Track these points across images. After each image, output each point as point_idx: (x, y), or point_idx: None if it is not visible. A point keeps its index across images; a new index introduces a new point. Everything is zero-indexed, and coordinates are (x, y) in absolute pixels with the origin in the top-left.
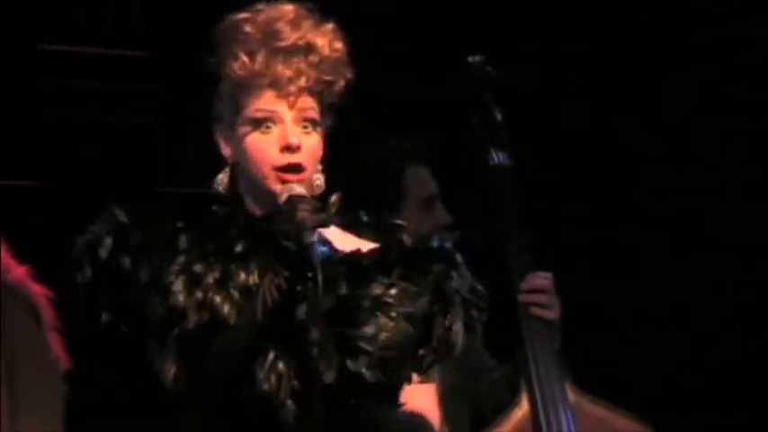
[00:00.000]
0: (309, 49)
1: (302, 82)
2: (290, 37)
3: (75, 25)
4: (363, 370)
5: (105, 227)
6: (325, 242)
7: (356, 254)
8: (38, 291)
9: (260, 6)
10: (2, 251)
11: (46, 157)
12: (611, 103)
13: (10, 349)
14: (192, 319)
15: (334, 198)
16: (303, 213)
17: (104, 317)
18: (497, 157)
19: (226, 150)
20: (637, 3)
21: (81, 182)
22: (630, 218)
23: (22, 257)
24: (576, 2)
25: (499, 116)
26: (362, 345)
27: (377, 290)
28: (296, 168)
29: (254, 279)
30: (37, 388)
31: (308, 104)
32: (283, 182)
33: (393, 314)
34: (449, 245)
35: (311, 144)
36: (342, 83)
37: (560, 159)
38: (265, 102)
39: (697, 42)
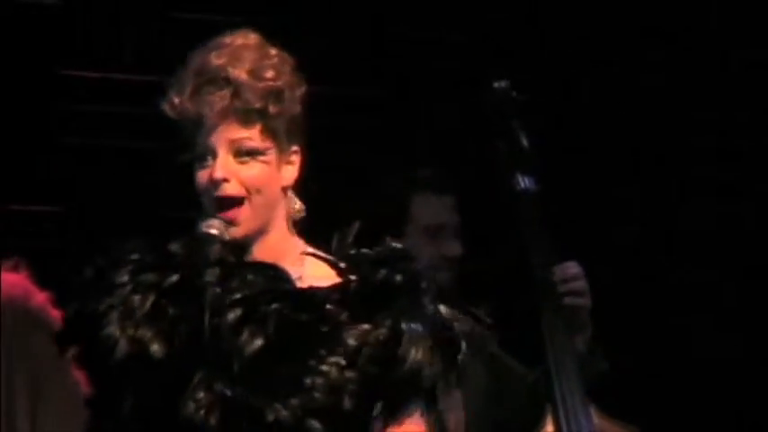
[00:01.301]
0: (227, 79)
1: (223, 113)
2: (210, 69)
3: (94, 51)
4: (268, 413)
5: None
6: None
7: (311, 290)
8: (59, 317)
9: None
10: (23, 278)
11: (67, 182)
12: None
13: (32, 376)
14: (122, 352)
15: (349, 230)
16: (206, 251)
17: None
18: (524, 182)
19: None
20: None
21: (102, 207)
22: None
23: (42, 283)
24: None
25: (525, 142)
26: (271, 400)
27: (323, 328)
28: (228, 201)
29: (174, 312)
30: (58, 414)
31: (242, 135)
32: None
33: (325, 365)
34: (410, 276)
35: (249, 174)
36: (277, 110)
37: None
38: (202, 137)
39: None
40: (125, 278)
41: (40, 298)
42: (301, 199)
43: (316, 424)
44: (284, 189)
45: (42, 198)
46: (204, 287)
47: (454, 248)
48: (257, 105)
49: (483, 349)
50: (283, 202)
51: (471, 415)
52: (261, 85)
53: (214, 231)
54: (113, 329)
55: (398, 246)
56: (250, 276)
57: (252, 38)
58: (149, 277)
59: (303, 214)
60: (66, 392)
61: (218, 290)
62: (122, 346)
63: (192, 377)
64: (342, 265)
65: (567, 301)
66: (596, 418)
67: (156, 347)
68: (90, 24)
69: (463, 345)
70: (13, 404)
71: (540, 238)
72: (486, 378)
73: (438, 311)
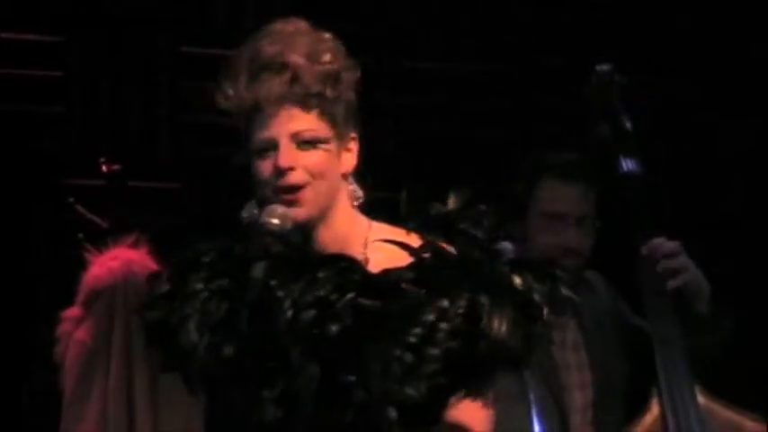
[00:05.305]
0: (285, 65)
1: (283, 98)
2: (266, 55)
3: (216, 27)
4: (346, 414)
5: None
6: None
7: (384, 273)
8: None
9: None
10: (143, 254)
11: (187, 159)
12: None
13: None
14: (200, 359)
15: (403, 196)
16: (259, 244)
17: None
18: (627, 165)
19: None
20: None
21: (221, 184)
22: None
23: (162, 260)
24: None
25: (628, 124)
26: (345, 394)
27: (398, 310)
28: (291, 189)
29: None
30: (178, 390)
31: (304, 123)
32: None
33: (399, 351)
34: (485, 247)
35: (312, 161)
36: (336, 93)
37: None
38: (261, 130)
39: None
40: (199, 285)
41: None
42: (361, 185)
43: (392, 411)
44: (344, 176)
45: (163, 175)
46: (248, 282)
47: (574, 240)
48: (316, 89)
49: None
50: (344, 188)
51: (597, 388)
52: (318, 68)
53: (275, 221)
54: (192, 337)
55: (467, 203)
56: (320, 274)
57: (302, 24)
58: (222, 283)
59: (362, 200)
60: None
61: (272, 283)
62: (201, 353)
63: (267, 373)
64: (412, 235)
65: (670, 284)
66: (700, 397)
67: (228, 349)
68: (211, 2)
69: (545, 313)
70: (132, 377)
71: (644, 221)
72: (616, 342)
73: (513, 281)
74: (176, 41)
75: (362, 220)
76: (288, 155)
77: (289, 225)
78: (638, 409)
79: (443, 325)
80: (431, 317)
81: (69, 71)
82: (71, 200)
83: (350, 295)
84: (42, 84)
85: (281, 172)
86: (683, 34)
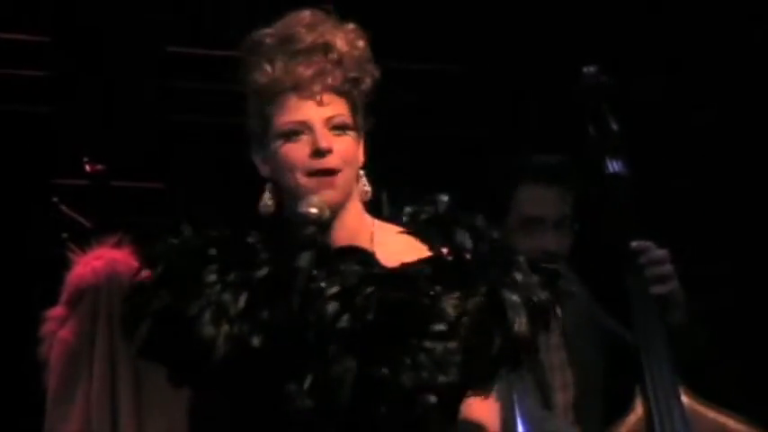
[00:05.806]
0: (328, 47)
1: (325, 80)
2: (306, 38)
3: (203, 27)
4: (381, 407)
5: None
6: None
7: (402, 268)
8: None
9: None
10: (126, 254)
11: (172, 159)
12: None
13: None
14: (220, 351)
15: (383, 197)
16: (302, 234)
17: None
18: (613, 166)
19: (264, 170)
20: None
21: (206, 184)
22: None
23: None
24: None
25: (615, 125)
26: (379, 386)
27: (420, 303)
28: (328, 173)
29: (269, 304)
30: (162, 390)
31: (337, 108)
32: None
33: (428, 341)
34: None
35: (344, 147)
36: (368, 81)
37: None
38: (292, 113)
39: None
40: (212, 278)
41: (144, 275)
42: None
43: (431, 397)
44: (359, 169)
45: (147, 175)
46: (296, 271)
47: (552, 243)
48: (353, 75)
49: (589, 314)
50: (358, 181)
51: (580, 390)
52: (357, 54)
53: (314, 210)
54: (209, 330)
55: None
56: (342, 266)
57: (320, 14)
58: (238, 275)
59: (370, 197)
60: None
61: (313, 272)
62: (220, 346)
63: (296, 364)
64: (410, 230)
65: (656, 290)
66: (685, 398)
67: (256, 340)
68: (198, 2)
69: (558, 311)
70: (116, 378)
71: (629, 223)
72: (595, 347)
73: (523, 280)
74: (163, 41)
75: (367, 216)
76: (325, 136)
77: (326, 214)
78: (620, 408)
79: (465, 320)
80: (451, 311)
81: (54, 71)
82: (55, 200)
83: (370, 289)
84: (27, 84)
85: (320, 153)
86: (683, 34)
